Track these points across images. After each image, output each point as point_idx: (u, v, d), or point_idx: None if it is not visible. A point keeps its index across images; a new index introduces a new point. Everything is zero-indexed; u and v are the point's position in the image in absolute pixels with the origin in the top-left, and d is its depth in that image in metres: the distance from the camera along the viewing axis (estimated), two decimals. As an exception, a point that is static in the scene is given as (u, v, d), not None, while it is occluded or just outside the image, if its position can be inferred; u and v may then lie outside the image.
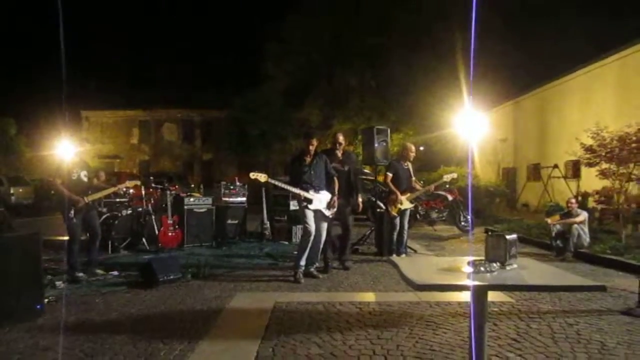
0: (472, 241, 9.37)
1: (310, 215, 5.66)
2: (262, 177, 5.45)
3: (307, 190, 5.64)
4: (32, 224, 11.10)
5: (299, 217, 6.11)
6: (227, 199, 8.99)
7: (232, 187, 9.12)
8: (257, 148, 25.00)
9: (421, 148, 19.41)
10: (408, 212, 7.26)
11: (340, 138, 6.37)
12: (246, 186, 9.28)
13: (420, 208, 11.28)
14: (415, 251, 7.81)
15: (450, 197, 11.14)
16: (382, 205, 7.72)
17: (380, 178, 8.89)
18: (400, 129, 19.36)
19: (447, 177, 7.48)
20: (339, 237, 6.52)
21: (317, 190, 5.72)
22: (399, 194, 6.99)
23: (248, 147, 25.13)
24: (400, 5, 19.40)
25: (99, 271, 5.82)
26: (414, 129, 19.62)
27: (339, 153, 6.31)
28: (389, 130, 7.87)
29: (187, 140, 34.31)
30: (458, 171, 12.37)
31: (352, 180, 6.34)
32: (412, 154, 7.24)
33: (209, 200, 8.63)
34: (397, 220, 7.10)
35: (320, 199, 5.74)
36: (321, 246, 5.87)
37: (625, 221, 8.20)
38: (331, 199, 5.80)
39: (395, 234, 7.08)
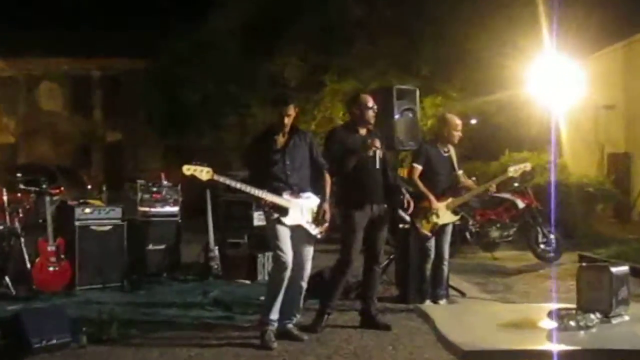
0: (556, 277, 9.34)
1: (284, 235, 5.74)
2: (203, 173, 5.53)
3: (279, 193, 5.72)
4: None
5: (267, 239, 6.16)
6: (147, 208, 8.99)
7: (155, 190, 9.11)
8: (197, 123, 24.78)
9: (472, 121, 19.32)
10: (450, 230, 7.30)
11: (370, 101, 6.50)
12: (179, 188, 9.28)
13: (471, 222, 11.26)
14: (462, 294, 7.85)
15: (521, 204, 11.14)
16: (405, 217, 7.75)
17: (404, 172, 8.83)
18: (436, 90, 19.20)
19: (514, 170, 7.44)
20: (365, 275, 6.66)
21: (295, 191, 5.82)
22: (433, 198, 7.06)
23: (183, 121, 24.93)
24: None
25: None
26: (460, 89, 19.52)
27: (364, 130, 6.45)
28: (417, 93, 7.83)
29: (79, 111, 34.15)
30: (534, 159, 12.59)
31: (390, 174, 6.58)
32: (457, 133, 7.27)
33: (117, 212, 8.62)
34: (432, 243, 7.15)
35: (302, 207, 5.84)
36: (304, 285, 5.98)
37: None
38: (320, 207, 5.90)
39: (429, 265, 7.16)
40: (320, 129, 18.46)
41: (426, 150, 7.26)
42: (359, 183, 6.20)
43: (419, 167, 7.12)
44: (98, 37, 29.92)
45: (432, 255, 7.16)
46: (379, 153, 6.36)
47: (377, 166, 6.38)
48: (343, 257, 6.30)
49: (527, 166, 7.71)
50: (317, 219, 5.87)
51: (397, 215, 7.78)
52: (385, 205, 6.50)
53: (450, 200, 7.18)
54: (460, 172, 7.37)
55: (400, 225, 7.95)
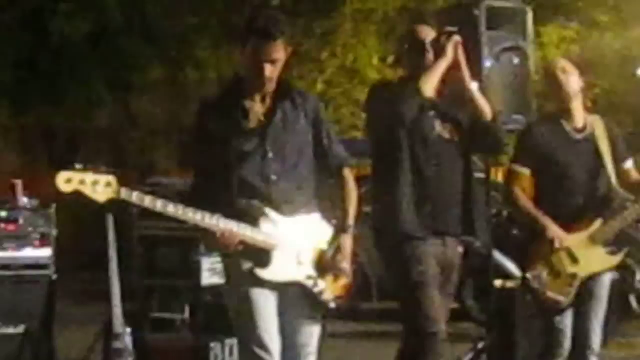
0: None
1: (264, 309, 4.30)
2: (99, 187, 3.94)
3: (252, 220, 4.26)
4: None
5: (228, 316, 4.63)
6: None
7: (3, 215, 7.56)
8: (85, 82, 18.60)
9: (638, 72, 16.22)
10: (604, 291, 5.21)
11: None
12: (53, 209, 7.23)
13: (639, 274, 9.05)
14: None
15: None
16: (509, 267, 7.04)
17: (500, 174, 8.29)
18: (567, 11, 15.62)
19: None
20: None
21: (285, 214, 4.42)
22: (552, 227, 5.14)
23: (57, 79, 18.30)
24: None
25: None
26: (613, 10, 15.45)
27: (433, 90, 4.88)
28: (529, 16, 6.05)
29: None
30: None
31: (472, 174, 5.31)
32: (573, 78, 5.28)
33: None
34: (566, 320, 5.15)
35: (299, 247, 4.39)
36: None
37: None
38: (334, 243, 4.39)
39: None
40: (334, 89, 14.86)
41: (537, 135, 5.31)
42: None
43: (524, 172, 5.26)
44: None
45: (567, 344, 5.09)
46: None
47: (461, 161, 4.98)
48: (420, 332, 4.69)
49: None
50: (329, 268, 4.24)
51: (490, 264, 6.30)
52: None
53: (597, 225, 5.00)
54: (629, 163, 5.20)
55: (498, 283, 6.46)
